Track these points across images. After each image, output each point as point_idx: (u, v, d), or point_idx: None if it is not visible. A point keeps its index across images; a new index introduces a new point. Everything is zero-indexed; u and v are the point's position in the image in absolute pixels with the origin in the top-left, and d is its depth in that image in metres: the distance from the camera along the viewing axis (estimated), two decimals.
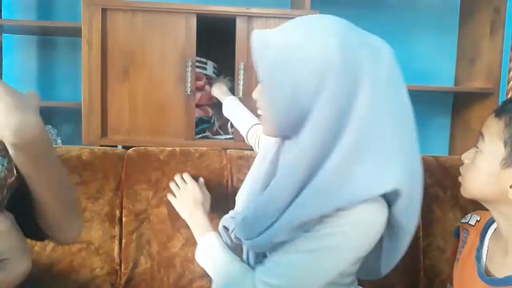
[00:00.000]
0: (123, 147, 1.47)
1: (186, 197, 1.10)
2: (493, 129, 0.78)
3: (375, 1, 2.10)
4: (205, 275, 1.17)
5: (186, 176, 1.15)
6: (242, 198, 1.00)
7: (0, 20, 1.78)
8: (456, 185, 1.30)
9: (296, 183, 0.76)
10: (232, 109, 1.39)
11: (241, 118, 1.33)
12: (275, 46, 0.76)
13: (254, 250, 0.89)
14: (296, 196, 0.77)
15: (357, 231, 0.76)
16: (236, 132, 1.57)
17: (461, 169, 0.86)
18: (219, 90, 1.51)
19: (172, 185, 1.15)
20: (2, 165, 0.57)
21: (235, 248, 0.96)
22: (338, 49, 0.73)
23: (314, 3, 1.67)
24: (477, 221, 0.92)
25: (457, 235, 0.98)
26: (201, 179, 1.18)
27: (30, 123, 0.58)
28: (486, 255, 0.85)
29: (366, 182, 0.74)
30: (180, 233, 1.19)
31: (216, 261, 0.93)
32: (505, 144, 0.76)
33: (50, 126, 1.93)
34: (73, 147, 1.29)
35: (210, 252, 0.96)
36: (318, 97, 0.73)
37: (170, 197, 1.13)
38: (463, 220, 0.97)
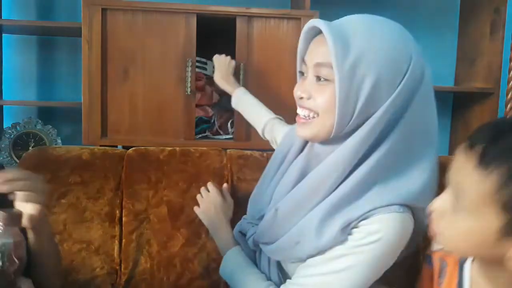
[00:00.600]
0: (123, 147, 1.47)
1: (207, 205, 1.10)
2: (480, 186, 0.55)
3: (375, 1, 2.11)
4: (205, 275, 1.17)
5: (209, 184, 1.14)
6: (262, 201, 0.95)
7: (0, 20, 1.78)
8: None
9: (327, 188, 0.77)
10: (244, 102, 1.28)
11: (256, 112, 1.24)
12: (359, 41, 0.72)
13: (272, 257, 0.88)
14: (321, 201, 0.77)
15: (383, 248, 0.74)
16: (236, 132, 1.57)
17: (434, 217, 0.63)
18: (225, 81, 1.34)
19: (198, 196, 1.14)
20: (3, 259, 0.68)
21: (252, 255, 0.96)
22: (414, 48, 0.75)
23: (314, 3, 1.67)
24: None
25: (429, 263, 0.80)
26: (225, 185, 1.16)
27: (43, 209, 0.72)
28: None
29: (394, 191, 0.75)
30: (180, 233, 1.19)
31: (242, 279, 0.92)
32: (504, 209, 0.53)
33: (50, 126, 1.94)
34: (73, 147, 1.29)
35: (235, 270, 0.95)
36: (388, 97, 0.73)
37: (195, 208, 1.13)
38: (436, 247, 0.77)
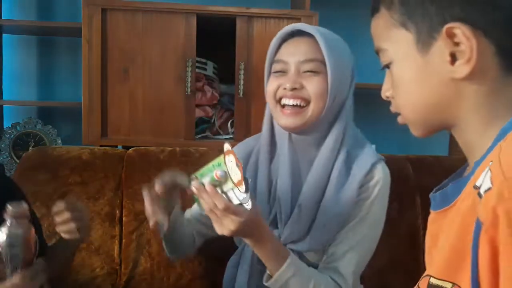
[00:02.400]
0: (123, 147, 1.47)
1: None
2: (385, 25, 0.55)
3: None
4: (205, 276, 1.17)
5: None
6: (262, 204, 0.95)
7: (0, 20, 1.78)
8: None
9: (330, 169, 0.93)
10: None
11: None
12: (335, 42, 0.93)
13: (302, 250, 0.92)
14: (327, 180, 0.93)
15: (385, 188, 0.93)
16: (236, 132, 1.57)
17: (391, 98, 0.59)
18: None
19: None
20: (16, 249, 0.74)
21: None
22: None
23: (314, 4, 1.67)
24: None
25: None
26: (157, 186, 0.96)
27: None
28: None
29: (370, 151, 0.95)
30: None
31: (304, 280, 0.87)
32: (405, 26, 0.53)
33: (50, 126, 1.94)
34: (73, 147, 1.29)
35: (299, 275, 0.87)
36: (350, 87, 0.94)
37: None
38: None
